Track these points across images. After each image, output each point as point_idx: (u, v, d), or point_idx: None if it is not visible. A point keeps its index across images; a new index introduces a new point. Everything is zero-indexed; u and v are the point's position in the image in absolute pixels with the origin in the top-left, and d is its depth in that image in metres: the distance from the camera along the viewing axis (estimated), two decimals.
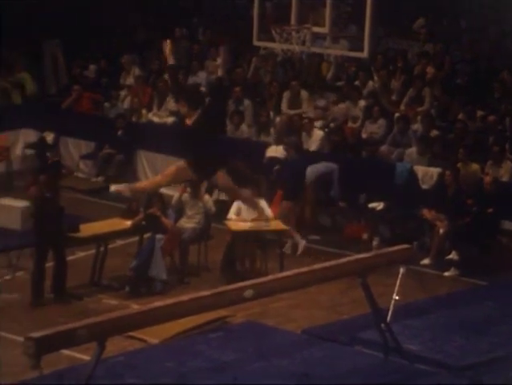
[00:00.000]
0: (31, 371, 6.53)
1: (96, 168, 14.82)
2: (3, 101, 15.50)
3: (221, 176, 7.66)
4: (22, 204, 10.85)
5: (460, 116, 12.95)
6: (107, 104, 15.36)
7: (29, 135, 15.44)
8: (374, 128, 13.38)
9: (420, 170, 12.30)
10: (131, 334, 8.31)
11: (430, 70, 14.12)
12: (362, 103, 13.85)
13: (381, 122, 13.36)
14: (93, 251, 10.68)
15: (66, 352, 7.69)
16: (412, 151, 12.59)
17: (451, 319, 9.35)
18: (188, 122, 7.98)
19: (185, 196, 11.13)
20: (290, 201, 11.79)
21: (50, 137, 15.09)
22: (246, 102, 14.26)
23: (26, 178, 13.17)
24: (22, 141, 15.32)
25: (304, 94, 14.16)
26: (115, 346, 8.01)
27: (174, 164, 7.92)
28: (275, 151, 12.88)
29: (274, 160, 12.78)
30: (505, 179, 11.80)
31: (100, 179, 14.67)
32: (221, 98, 14.39)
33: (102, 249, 10.60)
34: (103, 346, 6.53)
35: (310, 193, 12.37)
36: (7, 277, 10.43)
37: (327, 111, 14.01)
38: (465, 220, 11.33)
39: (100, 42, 17.15)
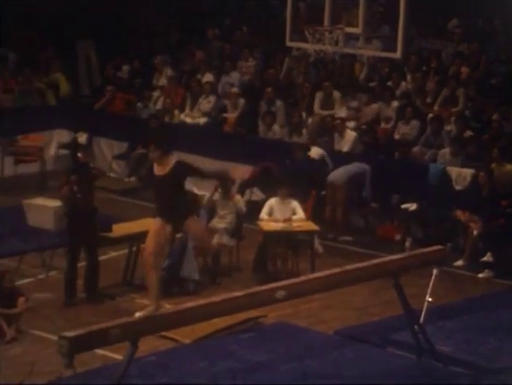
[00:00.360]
0: (65, 370, 6.57)
1: (129, 168, 14.88)
2: (38, 101, 15.63)
3: (191, 223, 7.79)
4: (55, 204, 10.92)
5: (494, 117, 12.84)
6: (139, 105, 15.43)
7: (62, 136, 15.55)
8: (407, 129, 13.31)
9: (453, 171, 12.22)
10: (163, 333, 8.34)
11: (464, 70, 14.02)
12: (395, 103, 13.78)
13: (414, 123, 13.28)
14: (125, 251, 10.72)
15: (99, 351, 7.73)
16: (446, 152, 12.51)
17: (485, 321, 9.27)
18: (162, 172, 7.99)
19: (217, 196, 11.14)
20: None
21: (83, 137, 15.17)
22: (278, 102, 14.25)
23: (59, 178, 13.26)
24: (55, 141, 15.45)
25: (337, 94, 14.13)
26: (148, 345, 8.02)
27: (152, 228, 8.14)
28: (316, 153, 12.85)
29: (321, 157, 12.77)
30: None
31: (133, 179, 14.74)
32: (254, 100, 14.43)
33: (134, 248, 10.64)
34: (135, 345, 6.55)
35: (342, 194, 12.33)
36: (41, 277, 10.50)
37: (360, 111, 13.96)
38: (499, 221, 11.24)
39: (133, 42, 17.23)
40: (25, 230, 10.90)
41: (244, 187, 12.65)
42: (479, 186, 11.65)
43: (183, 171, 8.21)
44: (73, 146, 14.98)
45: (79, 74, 17.09)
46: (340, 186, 12.31)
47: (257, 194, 13.00)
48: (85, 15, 16.59)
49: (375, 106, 13.84)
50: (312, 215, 11.54)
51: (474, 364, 8.24)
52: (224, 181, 11.11)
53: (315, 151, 12.77)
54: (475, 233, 11.33)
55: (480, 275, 11.11)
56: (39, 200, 11.42)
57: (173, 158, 8.12)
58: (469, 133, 12.64)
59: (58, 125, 15.45)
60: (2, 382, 7.54)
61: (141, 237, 10.70)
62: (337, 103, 14.11)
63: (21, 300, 9.02)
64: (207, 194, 11.36)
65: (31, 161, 14.47)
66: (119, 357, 7.45)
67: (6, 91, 15.47)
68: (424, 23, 15.11)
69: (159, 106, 15.29)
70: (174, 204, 7.94)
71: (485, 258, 11.20)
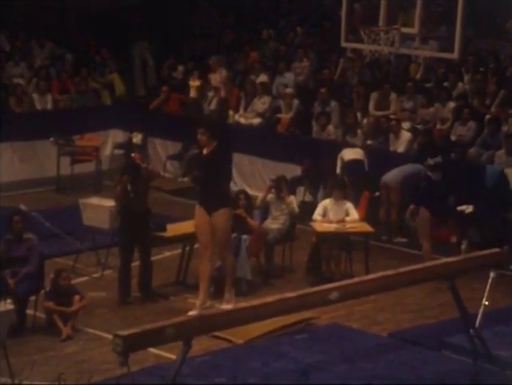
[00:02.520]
0: (119, 368, 6.61)
1: (182, 168, 14.96)
2: (93, 102, 15.80)
3: (219, 216, 7.56)
4: (110, 203, 11.00)
5: None
6: None
7: (118, 136, 15.70)
8: (463, 131, 13.15)
9: (510, 172, 12.03)
10: (216, 333, 8.35)
11: None
12: (451, 104, 13.64)
13: (471, 124, 13.13)
14: (179, 251, 10.77)
15: (152, 350, 7.78)
16: (502, 153, 12.34)
17: None
18: (205, 152, 7.92)
19: (270, 196, 11.13)
20: None
21: (138, 138, 15.30)
22: (333, 103, 14.20)
23: (114, 178, 13.38)
24: (111, 141, 15.60)
25: (392, 95, 14.03)
26: (201, 345, 8.05)
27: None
28: (354, 153, 12.79)
29: (356, 161, 12.69)
30: None
31: (186, 179, 14.81)
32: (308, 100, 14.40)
33: (188, 248, 10.68)
34: (189, 345, 6.56)
35: (396, 195, 12.24)
36: (96, 276, 10.60)
37: (415, 112, 13.84)
38: None
39: (188, 43, 17.32)
40: (81, 229, 11.01)
41: (293, 184, 12.58)
42: None
43: (219, 154, 8.06)
44: (128, 146, 15.12)
45: (135, 75, 17.25)
46: (395, 187, 12.22)
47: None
48: (140, 16, 16.74)
49: (432, 109, 13.72)
50: (366, 216, 11.47)
51: None
52: (278, 182, 11.11)
53: (359, 152, 12.70)
54: None
55: None
56: (95, 200, 11.53)
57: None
58: None
59: (113, 125, 15.60)
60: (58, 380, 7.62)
61: (194, 237, 10.77)
62: (392, 104, 14.01)
63: (77, 298, 9.11)
64: (260, 194, 11.36)
65: (87, 161, 14.62)
66: (172, 356, 7.48)
67: (63, 91, 15.67)
68: (482, 24, 14.92)
69: (213, 106, 15.33)
70: (210, 189, 7.75)
71: None
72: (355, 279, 8.02)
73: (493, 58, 14.52)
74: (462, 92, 13.86)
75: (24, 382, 7.72)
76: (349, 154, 12.81)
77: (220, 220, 7.89)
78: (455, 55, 11.09)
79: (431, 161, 11.21)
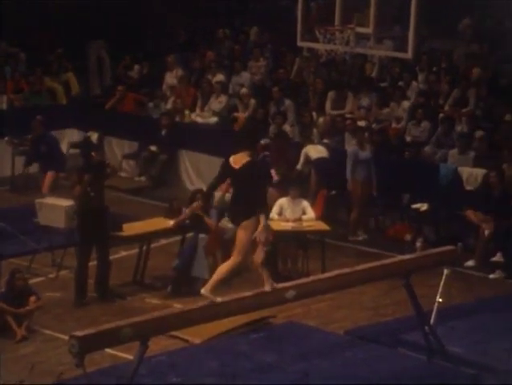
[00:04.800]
0: (75, 369, 6.58)
1: (139, 167, 14.90)
2: (48, 101, 15.66)
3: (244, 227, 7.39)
4: (65, 202, 10.94)
5: (507, 116, 12.80)
6: (150, 104, 15.46)
7: (73, 135, 15.59)
8: (417, 132, 13.27)
9: (464, 171, 12.19)
10: (173, 333, 8.34)
11: (475, 70, 13.98)
12: (405, 103, 13.76)
13: (425, 124, 13.25)
14: (136, 250, 10.73)
15: (109, 351, 7.74)
16: (455, 151, 12.49)
17: (496, 322, 9.24)
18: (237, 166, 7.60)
19: (228, 196, 11.13)
20: None
21: (94, 137, 15.21)
22: (287, 102, 14.25)
23: (70, 177, 13.28)
24: (66, 141, 15.47)
25: (348, 94, 14.11)
26: (158, 345, 8.03)
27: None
28: (320, 151, 12.83)
29: (323, 159, 12.75)
30: None
31: (143, 178, 14.76)
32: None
33: (145, 248, 10.65)
34: (146, 345, 6.55)
35: (367, 190, 12.36)
36: (51, 276, 10.51)
37: (370, 111, 13.95)
38: (510, 221, 11.20)
39: (144, 42, 17.25)
40: (36, 229, 10.92)
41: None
42: (490, 186, 11.61)
43: (251, 170, 7.72)
44: (86, 145, 15.01)
45: (90, 74, 17.13)
46: (367, 182, 12.30)
47: None
48: (96, 15, 16.63)
49: (387, 109, 13.83)
50: (324, 215, 11.54)
51: (485, 365, 8.21)
52: None
53: (323, 150, 12.76)
54: (486, 233, 11.29)
55: (491, 276, 11.07)
56: (50, 199, 11.45)
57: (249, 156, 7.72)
58: (480, 133, 12.61)
59: (69, 125, 15.49)
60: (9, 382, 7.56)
61: (152, 236, 10.75)
62: (349, 103, 14.09)
63: (32, 299, 9.03)
64: (218, 194, 11.36)
65: None
66: (129, 357, 7.46)
67: (17, 90, 15.51)
68: (436, 23, 15.06)
69: (169, 106, 15.31)
70: (239, 200, 7.51)
71: (495, 258, 11.17)
72: (312, 278, 8.08)
73: (446, 58, 14.67)
74: (417, 92, 13.99)
75: (25, 383, 7.64)
76: (315, 152, 12.85)
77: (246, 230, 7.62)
78: (409, 55, 11.17)
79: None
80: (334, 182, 12.52)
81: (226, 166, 7.62)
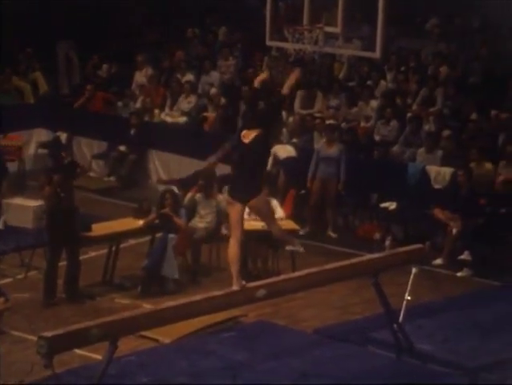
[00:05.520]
0: (44, 370, 6.55)
1: (108, 167, 14.85)
2: (17, 100, 15.56)
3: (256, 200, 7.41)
4: (34, 203, 10.89)
5: (474, 116, 12.91)
6: (120, 104, 15.41)
7: (42, 135, 15.49)
8: (386, 131, 13.35)
9: (432, 170, 12.28)
10: (143, 333, 8.33)
11: (443, 69, 14.09)
12: (374, 103, 13.83)
13: (393, 124, 13.33)
14: (105, 250, 10.70)
15: (78, 351, 7.72)
16: (423, 150, 12.58)
17: (464, 319, 9.32)
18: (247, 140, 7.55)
19: (198, 196, 11.14)
20: None
21: (62, 137, 15.14)
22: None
23: (39, 177, 13.21)
24: (34, 140, 15.38)
25: (317, 94, 14.16)
26: (127, 345, 8.02)
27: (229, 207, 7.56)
28: (288, 150, 12.88)
29: (291, 159, 12.79)
30: None
31: (112, 178, 14.71)
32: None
33: (114, 248, 10.62)
34: (115, 345, 6.54)
35: (334, 188, 12.42)
36: (20, 277, 10.45)
37: (339, 110, 14.00)
38: (478, 220, 11.30)
39: (113, 42, 17.19)
40: (4, 230, 10.85)
41: (220, 183, 12.62)
42: (458, 185, 11.72)
43: (260, 144, 7.61)
44: (54, 145, 14.94)
45: (59, 73, 17.03)
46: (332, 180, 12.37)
47: None
48: (65, 15, 16.54)
49: (355, 109, 13.89)
50: (293, 214, 11.59)
51: (453, 362, 8.28)
52: (207, 181, 11.13)
53: (291, 150, 12.81)
54: (454, 231, 11.39)
55: (458, 274, 11.17)
56: (18, 200, 11.39)
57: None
58: (447, 132, 12.71)
59: (37, 124, 15.38)
60: None
61: (121, 236, 10.73)
62: (318, 103, 14.14)
63: (1, 300, 8.96)
64: (188, 194, 11.36)
65: (10, 161, 14.35)
66: (98, 357, 7.43)
67: None
68: (403, 23, 15.16)
69: (139, 105, 15.27)
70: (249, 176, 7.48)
71: (462, 256, 11.26)
72: (282, 277, 8.10)
73: (414, 58, 14.77)
74: (385, 91, 14.07)
75: (24, 382, 7.59)
76: (283, 152, 12.88)
77: (261, 203, 7.64)
78: (377, 54, 11.22)
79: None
80: (303, 181, 12.56)
81: (238, 139, 7.44)
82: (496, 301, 10.01)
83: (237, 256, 7.40)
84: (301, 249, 7.49)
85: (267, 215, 7.61)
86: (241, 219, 7.41)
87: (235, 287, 7.34)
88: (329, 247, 12.00)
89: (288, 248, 7.93)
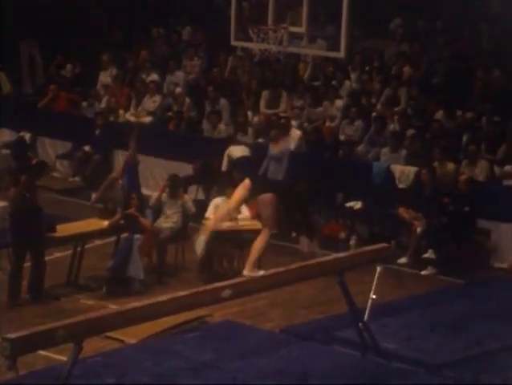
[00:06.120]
0: (7, 372, 6.49)
1: (73, 167, 14.77)
2: None
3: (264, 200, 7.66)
4: None
5: (437, 115, 13.02)
6: (84, 104, 15.33)
7: (5, 135, 15.36)
8: (351, 131, 13.42)
9: (397, 169, 12.36)
10: (108, 334, 8.29)
11: (407, 69, 14.19)
12: (339, 102, 13.89)
13: (358, 123, 13.40)
14: (70, 251, 10.64)
15: (42, 353, 7.66)
16: (387, 150, 12.67)
17: (428, 318, 9.39)
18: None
19: (164, 196, 11.12)
20: None
21: (26, 137, 15.03)
22: (222, 101, 14.27)
23: (3, 178, 13.10)
24: None
25: (283, 94, 14.19)
26: (93, 346, 7.97)
27: (241, 187, 7.90)
28: (242, 150, 12.94)
29: (245, 158, 12.84)
30: (480, 178, 11.88)
31: (77, 179, 14.63)
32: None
33: (79, 249, 10.57)
34: (80, 346, 6.50)
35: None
36: None
37: (303, 110, 14.06)
38: (442, 219, 11.40)
39: (77, 41, 17.09)
40: None
41: (186, 183, 12.62)
42: (422, 184, 11.81)
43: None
44: (18, 145, 14.83)
45: (22, 73, 16.90)
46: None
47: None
48: (28, 14, 16.40)
49: (320, 108, 13.95)
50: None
51: (417, 360, 8.34)
52: (174, 181, 11.12)
53: (245, 150, 12.85)
54: (418, 230, 11.47)
55: (423, 272, 11.26)
56: None
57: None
58: (411, 131, 12.80)
59: (0, 124, 15.25)
60: None
61: (86, 237, 10.67)
62: (283, 102, 14.17)
63: None
64: (154, 194, 11.34)
65: None
66: (63, 358, 7.38)
67: None
68: (367, 23, 15.25)
69: (103, 105, 15.20)
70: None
71: (427, 255, 11.36)
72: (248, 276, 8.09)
73: (378, 58, 14.85)
74: (350, 91, 14.13)
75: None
76: (237, 151, 12.94)
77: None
78: (341, 54, 11.28)
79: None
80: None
81: None
82: (460, 299, 10.10)
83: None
84: (261, 272, 7.66)
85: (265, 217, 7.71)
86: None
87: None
88: (295, 247, 12.00)
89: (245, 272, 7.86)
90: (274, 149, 12.47)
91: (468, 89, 13.42)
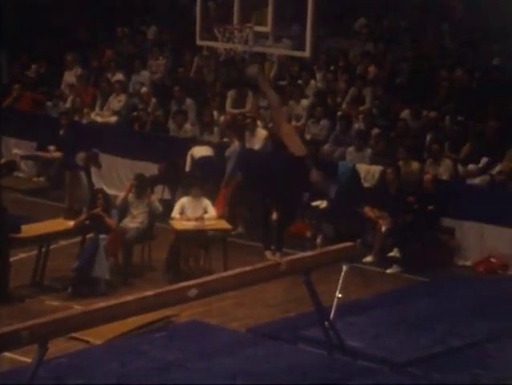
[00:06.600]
0: None
1: (37, 167, 14.66)
2: None
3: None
4: None
5: (402, 115, 13.11)
6: (49, 104, 15.23)
7: None
8: (317, 130, 13.46)
9: (362, 168, 12.42)
10: (73, 335, 8.25)
11: (371, 69, 14.27)
12: (305, 101, 13.93)
13: (324, 123, 13.45)
14: (35, 252, 10.57)
15: (7, 354, 7.61)
16: (353, 149, 12.73)
17: (393, 316, 9.46)
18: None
19: (131, 196, 11.09)
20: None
21: None
22: (188, 101, 14.25)
23: None
24: None
25: (249, 93, 14.20)
26: (58, 347, 7.94)
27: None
28: (204, 150, 12.96)
29: (206, 158, 12.85)
30: (444, 177, 11.99)
31: (41, 179, 14.53)
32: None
33: (44, 249, 10.50)
34: (45, 347, 6.47)
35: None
36: None
37: (268, 109, 14.07)
38: (407, 217, 11.48)
39: (42, 41, 16.97)
40: None
41: (152, 184, 12.61)
42: (387, 183, 11.88)
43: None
44: None
45: None
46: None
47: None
48: None
49: (285, 107, 13.97)
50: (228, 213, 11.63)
51: (383, 358, 8.39)
52: (140, 181, 11.10)
53: (208, 149, 12.89)
54: (383, 229, 11.55)
55: (388, 271, 11.34)
56: None
57: None
58: (376, 131, 12.88)
59: None
60: None
61: (51, 237, 10.61)
62: (248, 102, 14.18)
63: None
64: (121, 194, 11.32)
65: None
66: (28, 360, 7.34)
67: None
68: (332, 23, 15.31)
69: (68, 105, 15.11)
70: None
71: (392, 253, 11.43)
72: (214, 276, 8.11)
73: (343, 57, 14.92)
74: (315, 90, 14.18)
75: None
76: (199, 151, 12.96)
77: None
78: (307, 54, 11.30)
79: None
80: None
81: None
82: (425, 297, 10.18)
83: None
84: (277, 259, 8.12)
85: None
86: None
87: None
88: (261, 246, 12.02)
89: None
90: (229, 149, 12.61)
91: (432, 89, 13.52)
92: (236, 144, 12.77)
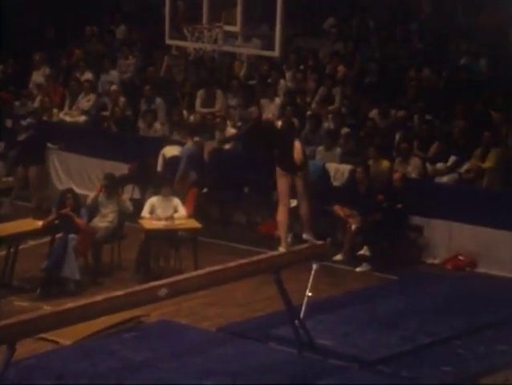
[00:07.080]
0: None
1: (6, 167, 14.55)
2: None
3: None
4: None
5: (371, 114, 13.17)
6: (17, 103, 15.12)
7: None
8: None
9: (331, 167, 12.47)
10: (42, 335, 8.20)
11: (341, 69, 14.32)
12: (277, 100, 13.94)
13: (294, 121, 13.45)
14: (3, 252, 10.49)
15: None
16: (322, 148, 12.77)
17: (363, 314, 9.50)
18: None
19: (101, 195, 11.04)
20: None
21: None
22: (158, 100, 14.23)
23: None
24: None
25: (218, 93, 14.20)
26: (26, 348, 7.89)
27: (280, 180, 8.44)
28: (176, 150, 12.97)
29: (175, 158, 12.86)
30: (413, 175, 12.07)
31: (10, 179, 14.42)
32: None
33: (13, 249, 10.43)
34: (13, 348, 6.43)
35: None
36: None
37: (237, 108, 14.09)
38: (376, 216, 11.54)
39: (9, 41, 16.83)
40: None
41: (122, 183, 12.58)
42: (356, 182, 11.93)
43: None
44: None
45: None
46: None
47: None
48: None
49: (253, 108, 13.98)
50: (196, 213, 11.63)
51: (353, 356, 8.44)
52: (110, 180, 11.06)
53: (178, 149, 12.90)
54: (353, 227, 11.60)
55: (358, 269, 11.39)
56: None
57: None
58: (346, 130, 12.93)
59: None
60: None
61: (19, 237, 10.54)
62: (218, 101, 14.18)
63: None
64: (91, 193, 11.28)
65: None
66: None
67: None
68: (301, 22, 15.34)
69: (37, 104, 15.02)
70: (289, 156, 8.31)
71: (362, 252, 11.49)
72: (184, 275, 8.11)
73: (313, 57, 14.96)
74: (285, 90, 14.20)
75: None
76: (170, 151, 12.97)
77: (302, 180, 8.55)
78: (276, 53, 11.33)
79: None
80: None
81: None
82: (394, 295, 10.24)
83: (286, 220, 8.47)
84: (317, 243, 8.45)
85: (302, 192, 8.52)
86: (289, 188, 8.45)
87: (282, 249, 8.28)
88: (231, 245, 12.06)
89: (305, 236, 8.63)
90: (183, 149, 12.69)
91: (400, 88, 13.60)
92: (189, 144, 12.81)
